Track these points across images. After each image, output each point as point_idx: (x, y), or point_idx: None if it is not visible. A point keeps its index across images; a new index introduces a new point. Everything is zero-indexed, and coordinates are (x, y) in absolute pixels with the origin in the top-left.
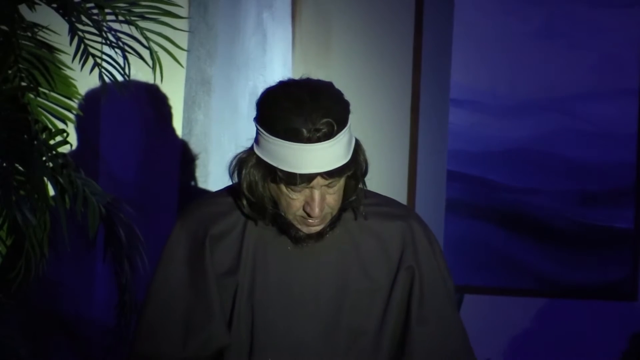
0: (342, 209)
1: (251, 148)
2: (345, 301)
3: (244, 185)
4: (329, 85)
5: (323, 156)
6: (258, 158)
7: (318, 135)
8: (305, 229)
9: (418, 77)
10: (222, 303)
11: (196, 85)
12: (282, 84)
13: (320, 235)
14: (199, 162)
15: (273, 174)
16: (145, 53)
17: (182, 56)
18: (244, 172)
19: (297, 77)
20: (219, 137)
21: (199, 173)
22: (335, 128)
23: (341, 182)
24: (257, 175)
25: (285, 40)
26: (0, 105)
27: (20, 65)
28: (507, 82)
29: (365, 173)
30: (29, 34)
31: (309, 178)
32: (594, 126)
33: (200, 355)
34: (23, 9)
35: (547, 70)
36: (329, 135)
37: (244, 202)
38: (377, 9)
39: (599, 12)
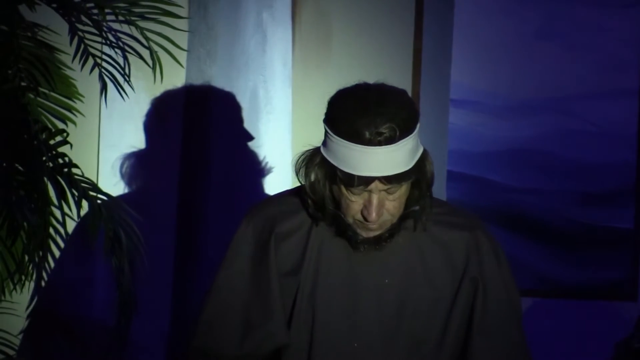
0: (403, 217)
1: (319, 147)
2: (408, 308)
3: (307, 184)
4: (399, 92)
5: (383, 160)
6: (323, 157)
7: (379, 139)
8: (363, 232)
9: (418, 77)
10: (282, 302)
11: (196, 86)
12: (354, 86)
13: (378, 241)
14: (198, 163)
15: (335, 174)
16: (145, 53)
17: (182, 56)
18: (309, 170)
19: (297, 77)
20: (219, 137)
21: (198, 173)
22: (398, 134)
23: (403, 189)
24: (320, 174)
25: (285, 40)
26: (0, 105)
27: (20, 65)
28: (507, 82)
29: (431, 184)
30: (29, 34)
31: (367, 181)
32: (594, 126)
33: (257, 352)
34: (23, 9)
35: (547, 70)
36: (390, 140)
37: (309, 201)
38: (377, 9)
39: (599, 12)
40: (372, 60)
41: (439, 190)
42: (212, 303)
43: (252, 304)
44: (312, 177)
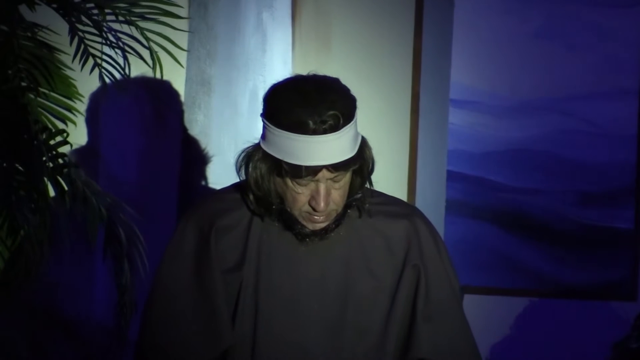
0: (347, 206)
1: (258, 143)
2: (350, 300)
3: (251, 180)
4: (335, 81)
5: (329, 148)
6: (264, 152)
7: (324, 127)
8: (310, 225)
9: (418, 78)
10: (227, 301)
11: (196, 86)
12: (289, 79)
13: (324, 232)
14: (198, 163)
15: (279, 167)
16: (145, 53)
17: (182, 56)
18: (250, 166)
19: None
20: (219, 137)
21: (198, 173)
22: (342, 121)
23: (347, 177)
24: (264, 170)
25: (285, 40)
26: (0, 105)
27: (20, 65)
28: (507, 82)
29: (371, 170)
30: (29, 34)
31: (314, 171)
32: (594, 126)
33: (207, 356)
34: (23, 9)
35: (547, 70)
36: (334, 128)
37: (251, 197)
38: (377, 9)
39: (599, 12)
40: (372, 60)
41: (439, 190)
42: (158, 306)
43: (198, 306)
44: (255, 174)
